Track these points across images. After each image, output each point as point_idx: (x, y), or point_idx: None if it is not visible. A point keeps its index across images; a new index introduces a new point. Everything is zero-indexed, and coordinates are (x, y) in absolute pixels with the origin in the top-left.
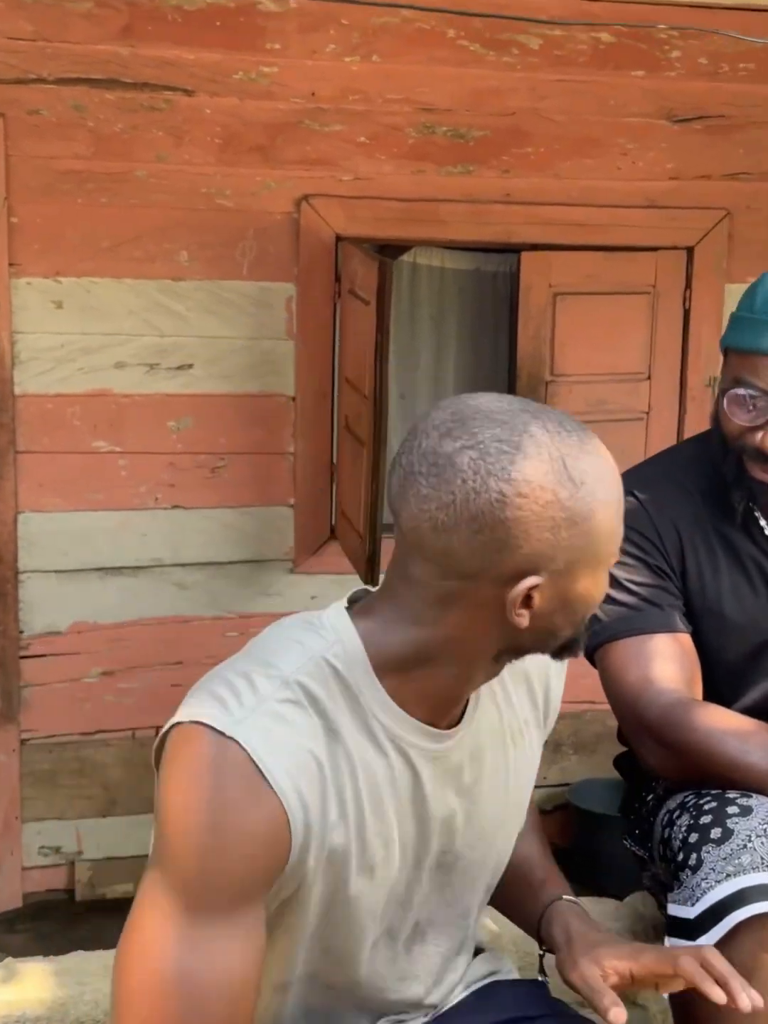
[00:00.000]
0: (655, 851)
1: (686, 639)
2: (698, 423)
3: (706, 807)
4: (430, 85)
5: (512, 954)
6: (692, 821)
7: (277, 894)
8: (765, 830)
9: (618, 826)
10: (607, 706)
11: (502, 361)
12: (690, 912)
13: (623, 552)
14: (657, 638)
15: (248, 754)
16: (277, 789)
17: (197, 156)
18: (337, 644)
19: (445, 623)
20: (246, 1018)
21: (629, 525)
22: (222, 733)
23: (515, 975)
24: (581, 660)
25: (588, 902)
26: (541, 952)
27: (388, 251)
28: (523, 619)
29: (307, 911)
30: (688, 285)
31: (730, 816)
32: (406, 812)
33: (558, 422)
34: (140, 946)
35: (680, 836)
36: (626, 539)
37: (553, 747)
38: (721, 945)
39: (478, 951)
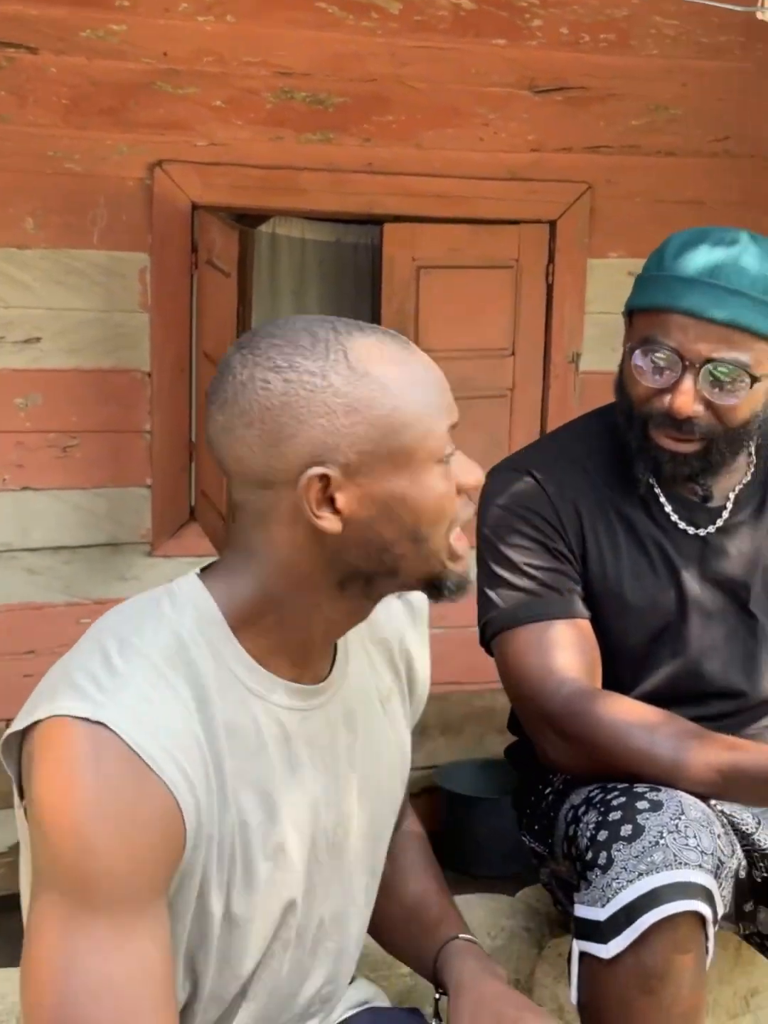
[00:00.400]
0: (558, 848)
1: (586, 625)
2: (562, 400)
3: (614, 803)
4: (287, 48)
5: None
6: (600, 818)
7: (178, 895)
8: (676, 826)
9: (488, 808)
10: (474, 687)
11: None
12: (600, 914)
13: (521, 534)
14: (557, 625)
15: (120, 737)
16: (158, 770)
17: (43, 118)
18: (191, 609)
19: (270, 547)
20: (174, 1016)
21: (527, 507)
22: (87, 719)
23: (388, 1004)
24: (446, 640)
25: (482, 899)
26: (437, 996)
27: (246, 221)
28: (328, 522)
29: (207, 912)
30: (551, 259)
31: (640, 812)
32: (287, 781)
33: (358, 326)
34: (50, 967)
35: (588, 833)
36: (525, 521)
37: (419, 730)
38: (633, 948)
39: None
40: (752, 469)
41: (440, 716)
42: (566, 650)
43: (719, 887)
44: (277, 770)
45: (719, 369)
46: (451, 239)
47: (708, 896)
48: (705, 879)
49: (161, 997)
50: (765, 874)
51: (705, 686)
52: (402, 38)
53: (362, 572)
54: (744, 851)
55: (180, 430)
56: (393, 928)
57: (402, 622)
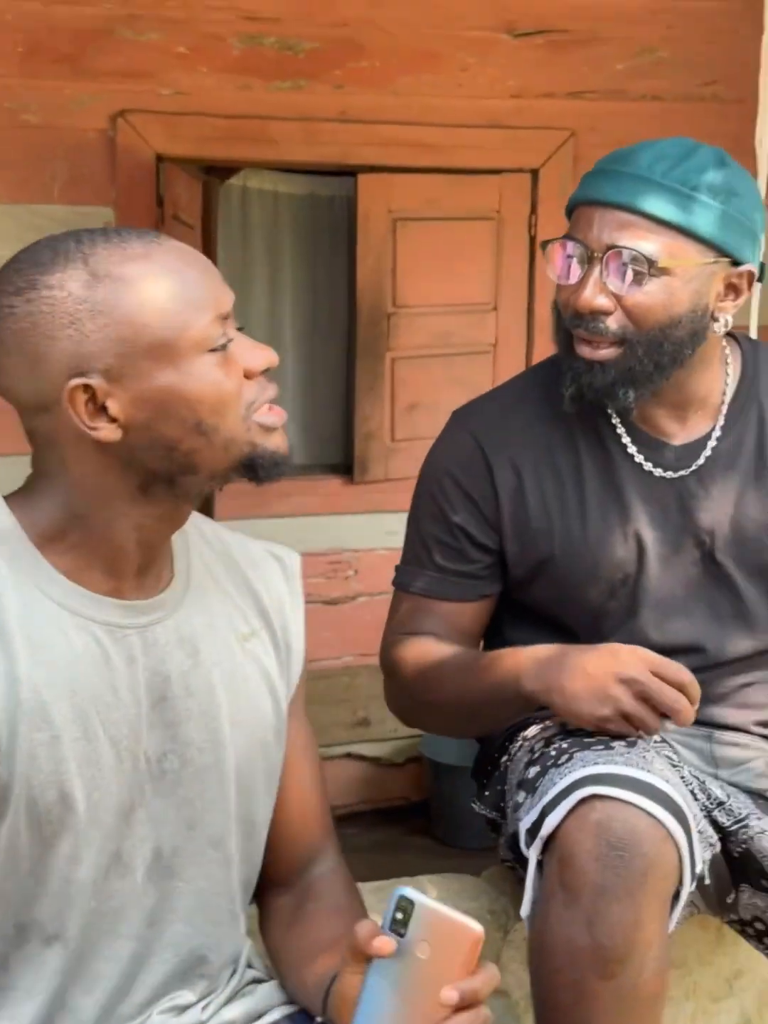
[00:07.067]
0: (510, 812)
1: (466, 608)
2: (547, 356)
3: (552, 750)
4: None
5: None
6: (533, 757)
7: None
8: (645, 757)
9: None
10: None
11: (341, 292)
12: (533, 815)
13: (436, 502)
14: (436, 604)
15: None
16: None
17: None
18: None
19: (63, 467)
20: None
21: (455, 474)
22: None
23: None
24: None
25: (445, 879)
26: (319, 1020)
27: (215, 174)
28: (106, 432)
29: (17, 832)
30: (533, 210)
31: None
32: (102, 698)
33: (104, 233)
34: None
35: (522, 776)
36: (445, 488)
37: None
38: (587, 922)
39: (258, 980)
40: (725, 407)
41: None
42: (430, 621)
43: (687, 838)
44: (94, 686)
45: (619, 256)
46: (429, 190)
47: (677, 813)
48: (673, 792)
49: None
50: (740, 849)
51: (666, 642)
52: None
53: (159, 474)
54: (719, 831)
55: None
56: (301, 962)
57: (274, 577)
